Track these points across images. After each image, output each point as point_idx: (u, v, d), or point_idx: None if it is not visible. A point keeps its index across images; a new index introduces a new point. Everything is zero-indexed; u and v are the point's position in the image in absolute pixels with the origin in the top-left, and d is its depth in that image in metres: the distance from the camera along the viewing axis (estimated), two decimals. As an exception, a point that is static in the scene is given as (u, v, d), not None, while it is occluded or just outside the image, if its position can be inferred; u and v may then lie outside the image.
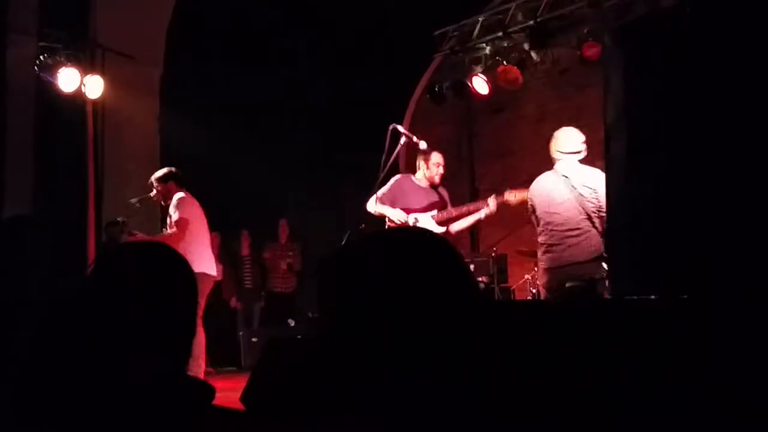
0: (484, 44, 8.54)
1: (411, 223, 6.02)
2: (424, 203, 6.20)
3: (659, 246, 3.05)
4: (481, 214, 6.25)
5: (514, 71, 8.09)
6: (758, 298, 2.58)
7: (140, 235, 6.67)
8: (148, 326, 1.53)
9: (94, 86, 7.77)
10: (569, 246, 5.40)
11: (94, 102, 8.06)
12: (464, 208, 6.29)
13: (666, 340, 2.65)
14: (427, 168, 6.22)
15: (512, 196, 6.13)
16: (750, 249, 2.72)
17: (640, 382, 2.61)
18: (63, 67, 7.64)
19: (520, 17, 8.13)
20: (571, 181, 5.49)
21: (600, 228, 5.36)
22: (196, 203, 6.76)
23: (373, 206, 6.08)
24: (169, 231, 6.58)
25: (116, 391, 1.44)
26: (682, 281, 2.97)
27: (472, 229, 9.65)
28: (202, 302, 6.54)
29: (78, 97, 7.85)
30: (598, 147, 7.91)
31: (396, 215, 6.06)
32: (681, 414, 2.47)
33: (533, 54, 8.07)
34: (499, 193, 6.23)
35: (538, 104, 9.22)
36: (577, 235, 5.41)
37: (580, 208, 5.42)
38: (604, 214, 5.25)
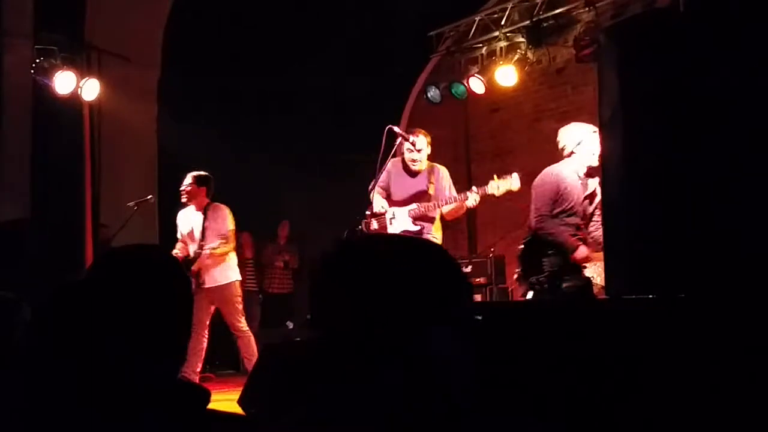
0: (480, 44, 8.55)
1: (388, 219, 5.90)
2: (406, 194, 5.99)
3: (656, 244, 3.05)
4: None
5: (511, 71, 8.10)
6: (754, 295, 2.58)
7: (204, 254, 6.67)
8: (142, 329, 1.52)
9: (91, 89, 7.76)
10: None
11: (91, 104, 8.05)
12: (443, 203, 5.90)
13: (663, 338, 2.65)
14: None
15: (496, 188, 5.72)
16: (746, 246, 2.72)
17: (636, 380, 2.61)
18: (59, 70, 7.61)
19: (516, 17, 8.14)
20: None
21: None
22: None
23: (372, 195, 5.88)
24: (215, 241, 6.65)
25: (110, 393, 1.44)
26: (679, 280, 2.96)
27: (469, 230, 9.67)
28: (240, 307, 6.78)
29: (74, 99, 7.83)
30: (595, 146, 7.95)
31: (377, 205, 5.87)
32: (678, 411, 2.46)
33: (529, 53, 8.08)
34: (481, 185, 5.80)
35: (534, 104, 9.21)
36: None
37: None
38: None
